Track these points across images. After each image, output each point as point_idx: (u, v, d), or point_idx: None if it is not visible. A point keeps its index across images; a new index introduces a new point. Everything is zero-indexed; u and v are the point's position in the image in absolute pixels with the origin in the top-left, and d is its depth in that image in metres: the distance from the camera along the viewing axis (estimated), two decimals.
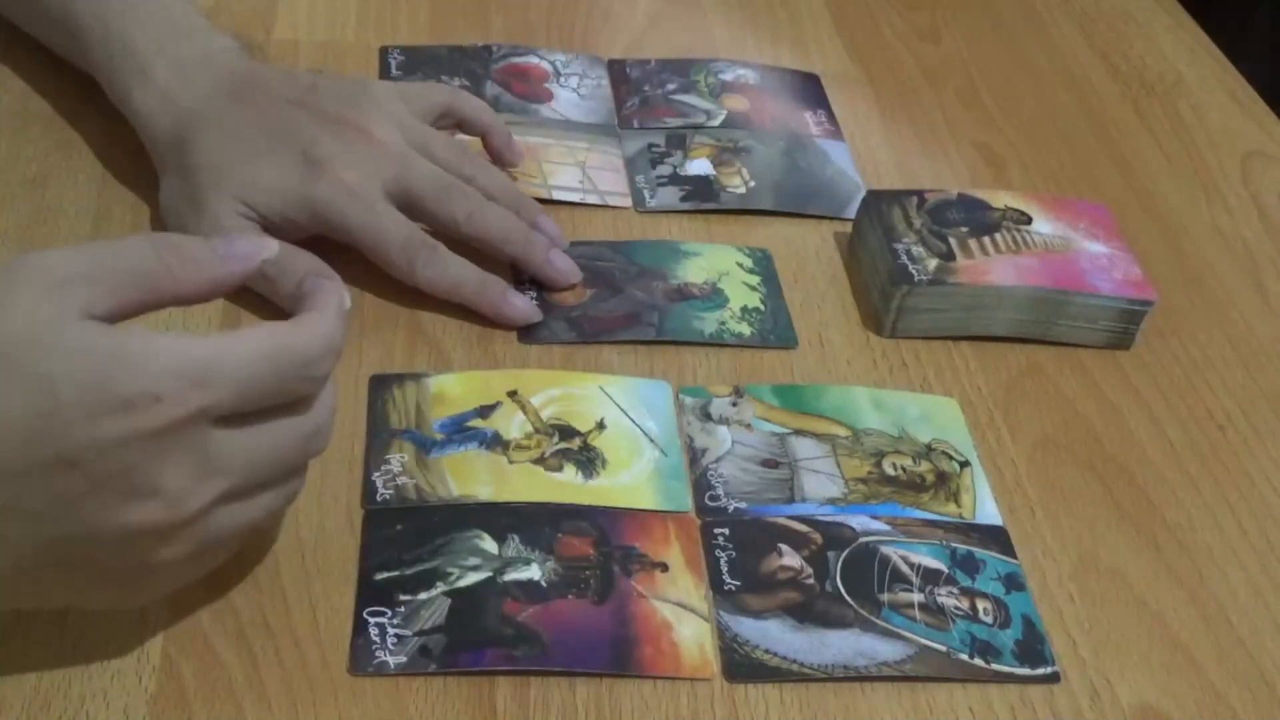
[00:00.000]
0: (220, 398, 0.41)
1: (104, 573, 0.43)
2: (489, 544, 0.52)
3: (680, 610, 0.51)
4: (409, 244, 0.61)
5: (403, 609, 0.49)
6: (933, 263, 0.65)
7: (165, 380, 0.40)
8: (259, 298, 0.60)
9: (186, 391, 0.40)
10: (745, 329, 0.64)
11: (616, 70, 0.81)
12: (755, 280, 0.67)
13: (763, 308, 0.65)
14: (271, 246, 0.46)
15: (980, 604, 0.53)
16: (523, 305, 0.62)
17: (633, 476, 0.56)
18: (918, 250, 0.65)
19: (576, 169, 0.72)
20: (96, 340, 0.40)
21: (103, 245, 0.43)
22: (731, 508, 0.55)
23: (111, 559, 0.42)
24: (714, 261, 0.67)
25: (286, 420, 0.44)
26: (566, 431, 0.57)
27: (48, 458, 0.39)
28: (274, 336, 0.43)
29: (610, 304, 0.64)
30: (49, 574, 0.42)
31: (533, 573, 0.51)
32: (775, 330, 0.64)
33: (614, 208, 0.70)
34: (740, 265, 0.68)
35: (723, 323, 0.64)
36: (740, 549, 0.54)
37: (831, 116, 0.79)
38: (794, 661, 0.50)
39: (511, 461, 0.56)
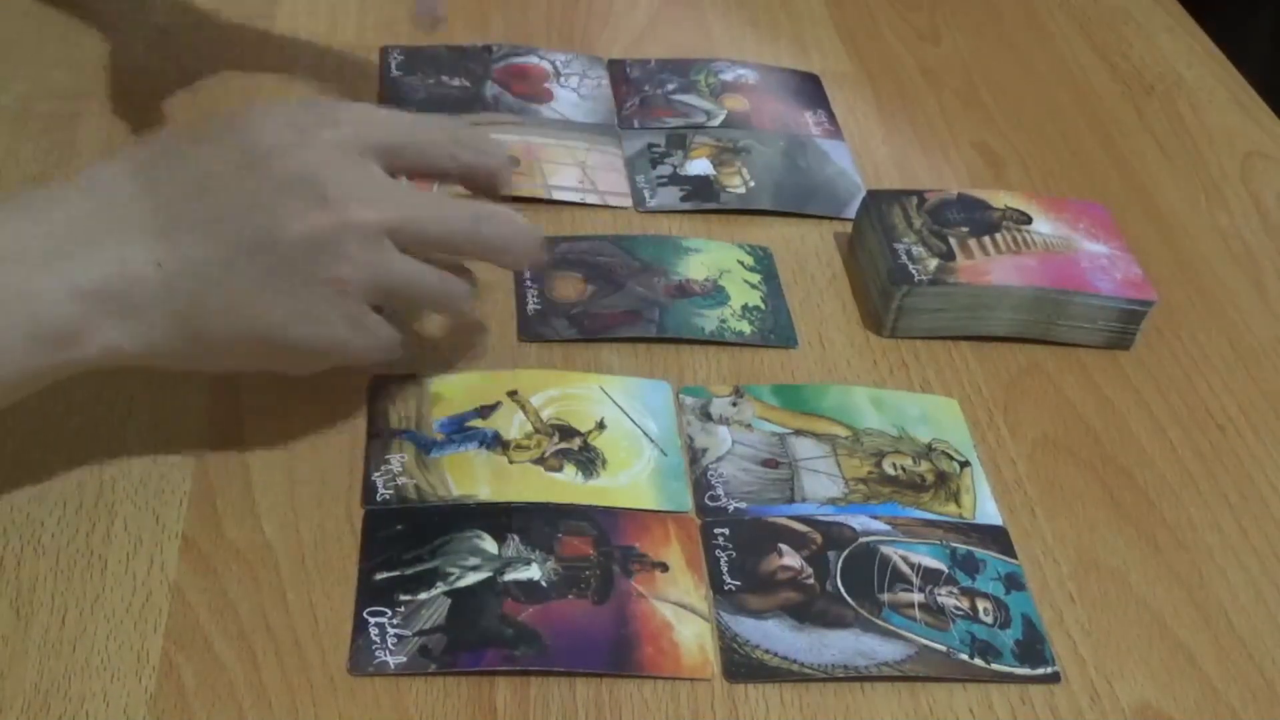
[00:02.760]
0: (386, 140, 0.52)
1: (286, 289, 0.49)
2: (489, 544, 0.52)
3: (680, 610, 0.51)
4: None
5: (403, 609, 0.49)
6: (933, 263, 0.65)
7: (328, 108, 0.53)
8: None
9: (361, 122, 0.52)
10: (746, 327, 0.64)
11: (616, 70, 0.81)
12: (756, 278, 0.67)
13: (763, 306, 0.65)
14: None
15: (980, 604, 0.53)
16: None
17: (633, 476, 0.56)
18: (918, 250, 0.65)
19: (576, 169, 0.72)
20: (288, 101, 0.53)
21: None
22: (731, 508, 0.55)
23: (300, 277, 0.49)
24: (715, 258, 0.67)
25: (453, 200, 0.56)
26: (566, 431, 0.57)
27: (244, 162, 0.49)
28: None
29: (611, 300, 0.64)
30: (249, 284, 0.49)
31: (533, 573, 0.51)
32: (776, 329, 0.64)
33: (614, 208, 0.71)
34: (741, 263, 0.68)
35: (723, 320, 0.64)
36: (740, 549, 0.54)
37: (831, 116, 0.79)
38: (794, 661, 0.50)
39: (511, 461, 0.56)
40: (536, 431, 0.57)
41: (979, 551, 0.55)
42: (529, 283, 0.64)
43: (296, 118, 0.51)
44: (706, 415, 0.59)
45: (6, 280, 0.46)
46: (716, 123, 0.77)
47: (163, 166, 0.50)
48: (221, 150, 0.50)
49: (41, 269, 0.46)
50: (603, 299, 0.64)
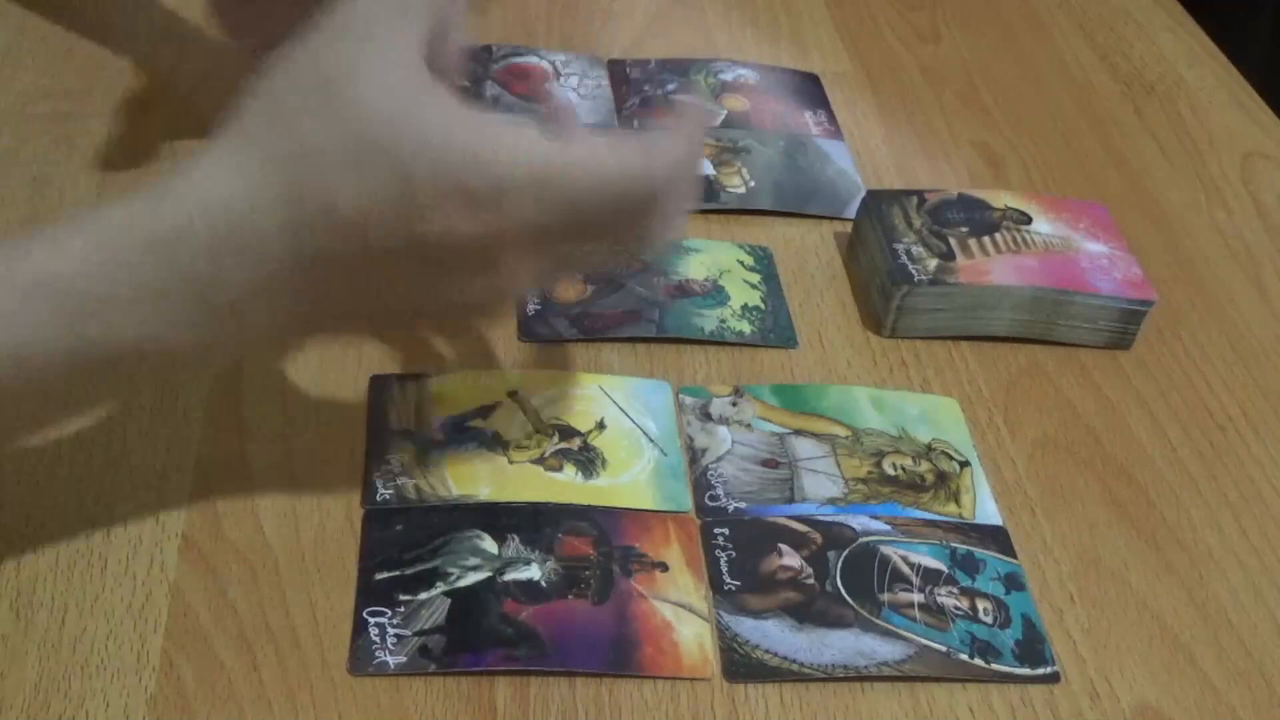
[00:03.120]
0: (553, 215, 0.44)
1: (429, 314, 0.49)
2: (489, 544, 0.52)
3: (680, 610, 0.51)
4: None
5: (402, 609, 0.49)
6: (932, 262, 0.65)
7: (509, 184, 0.42)
8: None
9: (525, 204, 0.43)
10: (746, 327, 0.64)
11: (616, 70, 0.81)
12: (756, 278, 0.67)
13: (763, 306, 0.65)
14: None
15: (980, 604, 0.53)
16: None
17: (633, 476, 0.56)
18: (917, 250, 0.65)
19: None
20: (454, 132, 0.42)
21: None
22: (731, 508, 0.55)
23: (441, 309, 0.47)
24: (715, 258, 0.67)
25: (617, 235, 0.47)
26: (566, 431, 0.57)
27: (403, 241, 0.42)
28: (625, 160, 0.44)
29: (611, 301, 0.64)
30: (381, 321, 0.49)
31: (532, 573, 0.51)
32: (775, 329, 0.64)
33: None
34: (741, 263, 0.68)
35: (723, 320, 0.64)
36: (740, 549, 0.54)
37: (831, 116, 0.79)
38: (794, 661, 0.50)
39: (511, 461, 0.56)
40: (536, 431, 0.57)
41: (979, 551, 0.55)
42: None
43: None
44: (706, 415, 0.59)
45: None
46: (716, 123, 0.77)
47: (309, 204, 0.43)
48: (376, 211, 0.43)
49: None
50: (603, 299, 0.64)
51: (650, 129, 0.46)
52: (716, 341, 0.63)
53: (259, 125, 0.43)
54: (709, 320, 0.64)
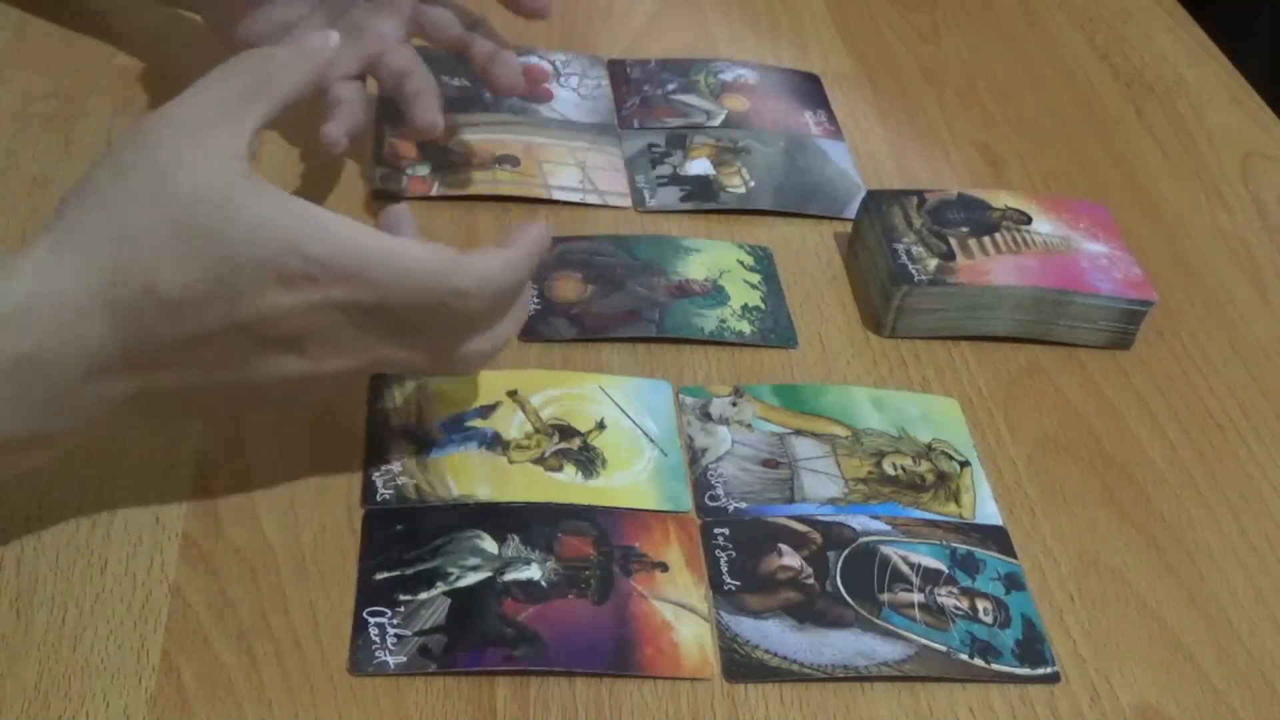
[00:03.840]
0: (362, 298, 0.45)
1: (255, 399, 0.48)
2: (489, 544, 0.52)
3: (680, 610, 0.51)
4: None
5: (402, 609, 0.49)
6: (932, 263, 0.65)
7: (322, 266, 0.44)
8: None
9: (336, 286, 0.45)
10: (746, 327, 0.64)
11: (616, 70, 0.81)
12: (756, 278, 0.67)
13: (763, 306, 0.65)
14: (333, 35, 0.51)
15: (980, 604, 0.53)
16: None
17: (633, 476, 0.56)
18: (917, 250, 0.65)
19: (576, 169, 0.72)
20: (272, 216, 0.44)
21: (213, 81, 0.47)
22: (731, 508, 0.55)
23: (264, 391, 0.47)
24: (715, 258, 0.67)
25: (425, 340, 0.48)
26: (566, 431, 0.57)
27: (223, 321, 0.44)
28: (438, 259, 0.47)
29: (611, 300, 0.64)
30: (208, 403, 0.48)
31: (532, 573, 0.51)
32: (775, 329, 0.64)
33: (614, 208, 0.71)
34: (741, 263, 0.68)
35: (723, 320, 0.64)
36: (740, 549, 0.54)
37: (831, 116, 0.79)
38: (794, 661, 0.50)
39: (511, 461, 0.56)
40: (536, 431, 0.57)
41: (979, 551, 0.55)
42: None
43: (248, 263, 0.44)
44: (706, 415, 0.59)
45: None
46: (716, 123, 0.77)
47: (131, 303, 0.44)
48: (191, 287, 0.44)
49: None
50: (602, 299, 0.64)
51: (486, 249, 0.48)
52: (716, 341, 0.63)
53: (88, 212, 0.44)
54: (709, 320, 0.64)
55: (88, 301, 0.43)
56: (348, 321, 0.46)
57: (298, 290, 0.44)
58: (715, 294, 0.65)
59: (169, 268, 0.43)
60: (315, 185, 0.68)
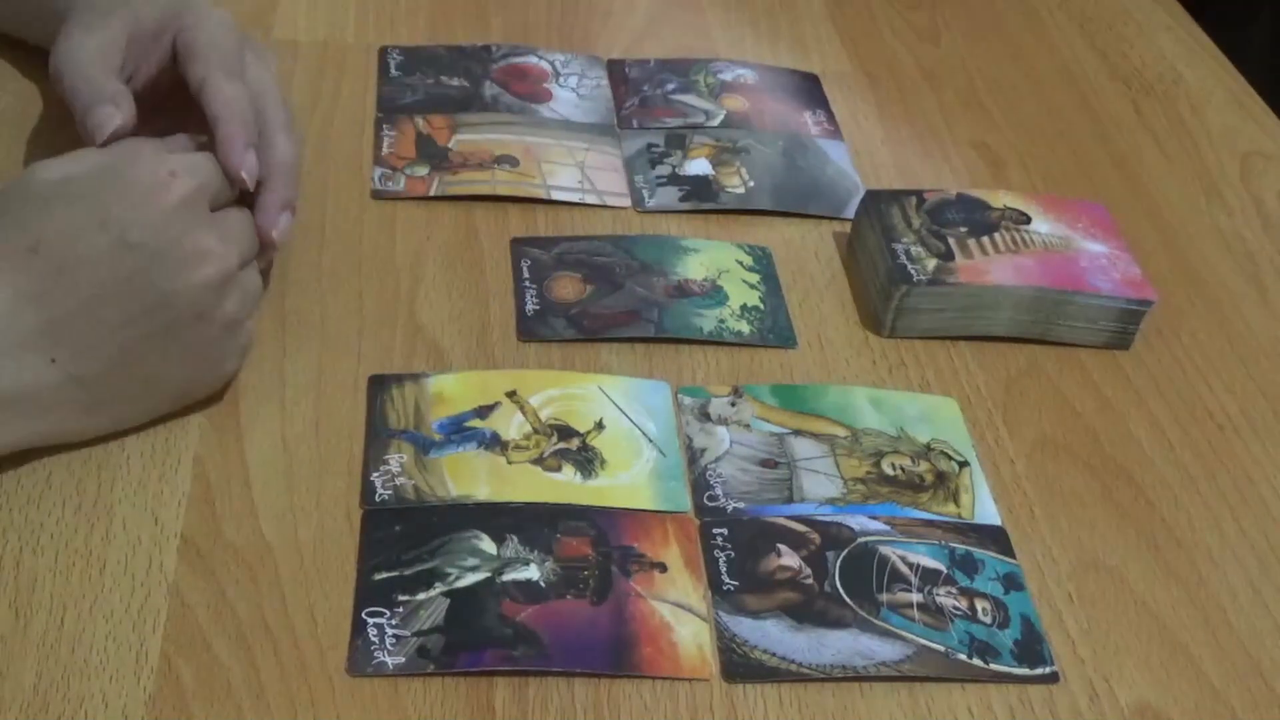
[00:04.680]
0: (210, 181, 0.54)
1: (186, 341, 0.53)
2: (488, 544, 0.52)
3: (679, 610, 0.51)
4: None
5: (401, 609, 0.49)
6: (931, 263, 0.65)
7: (173, 162, 0.53)
8: None
9: (189, 173, 0.53)
10: (744, 327, 0.64)
11: (616, 70, 0.81)
12: (755, 278, 0.67)
13: (762, 306, 0.65)
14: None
15: (979, 604, 0.53)
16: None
17: (631, 477, 0.56)
18: (917, 250, 0.65)
19: (576, 169, 0.72)
20: (122, 149, 0.54)
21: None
22: (730, 508, 0.55)
23: (188, 324, 0.52)
24: (714, 258, 0.67)
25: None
26: (565, 432, 0.57)
27: (111, 244, 0.50)
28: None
29: (610, 300, 0.64)
30: (146, 351, 0.52)
31: (531, 573, 0.51)
32: (774, 329, 0.64)
33: (613, 208, 0.70)
34: (740, 263, 0.67)
35: (722, 320, 0.64)
36: (739, 549, 0.54)
37: (831, 116, 0.79)
38: (792, 661, 0.50)
39: (510, 462, 0.56)
40: (535, 432, 0.57)
41: (978, 551, 0.55)
42: (528, 283, 0.64)
43: (137, 179, 0.52)
44: (705, 415, 0.59)
45: None
46: (716, 123, 0.77)
47: (30, 269, 0.50)
48: (77, 231, 0.51)
49: None
50: (602, 299, 0.64)
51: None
52: (715, 341, 0.63)
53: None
54: (708, 320, 0.64)
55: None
56: (214, 212, 0.54)
57: (163, 190, 0.52)
58: (714, 294, 0.65)
59: (44, 232, 0.51)
60: (314, 186, 0.68)
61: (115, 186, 0.52)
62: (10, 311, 0.50)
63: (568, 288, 0.64)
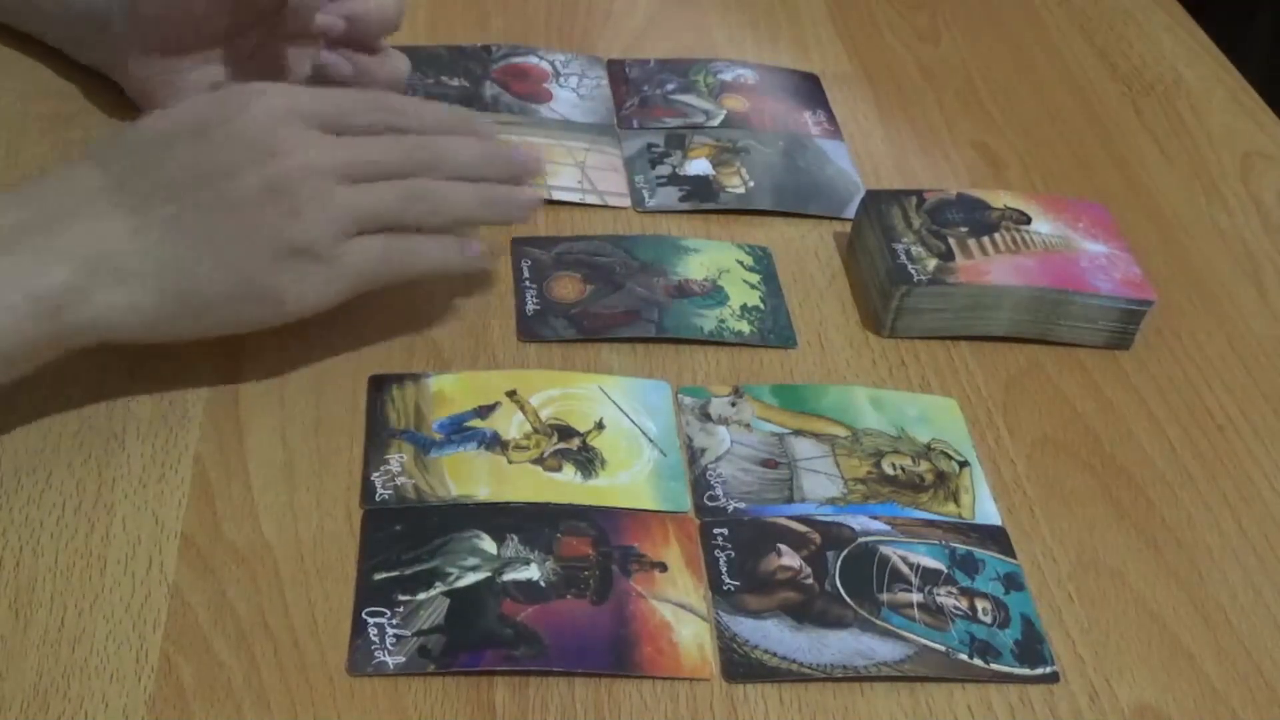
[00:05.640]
0: (315, 105, 0.55)
1: (269, 244, 0.52)
2: (488, 544, 0.52)
3: (679, 610, 0.51)
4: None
5: (401, 609, 0.49)
6: (932, 263, 0.65)
7: (279, 98, 0.54)
8: None
9: (290, 93, 0.55)
10: (745, 327, 0.64)
11: (616, 70, 0.81)
12: (755, 278, 0.67)
13: (762, 306, 0.65)
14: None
15: (979, 604, 0.53)
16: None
17: (632, 476, 0.56)
18: (917, 250, 0.65)
19: (576, 169, 0.72)
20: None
21: None
22: (730, 508, 0.55)
23: (268, 225, 0.52)
24: (715, 258, 0.67)
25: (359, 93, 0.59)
26: (565, 431, 0.57)
27: (190, 131, 0.53)
28: None
29: (610, 300, 0.64)
30: (230, 245, 0.52)
31: (532, 573, 0.51)
32: (775, 329, 0.64)
33: (613, 208, 0.70)
34: (740, 263, 0.68)
35: (722, 320, 0.64)
36: (739, 549, 0.54)
37: (831, 116, 0.79)
38: (793, 661, 0.50)
39: (510, 462, 0.56)
40: (536, 431, 0.57)
41: (978, 551, 0.55)
42: (528, 283, 0.64)
43: (232, 92, 0.55)
44: (706, 415, 0.59)
45: (2, 253, 0.49)
46: (716, 123, 0.77)
47: (122, 151, 0.53)
48: (171, 126, 0.54)
49: (29, 240, 0.50)
50: (602, 299, 0.64)
51: None
52: (716, 341, 0.63)
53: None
54: (708, 320, 0.64)
55: (92, 169, 0.53)
56: (297, 120, 0.54)
57: (250, 99, 0.54)
58: (714, 294, 0.65)
59: (140, 128, 0.54)
60: None
61: (226, 93, 0.55)
62: (97, 177, 0.52)
63: (568, 288, 0.64)
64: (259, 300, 0.54)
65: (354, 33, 0.63)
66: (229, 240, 0.52)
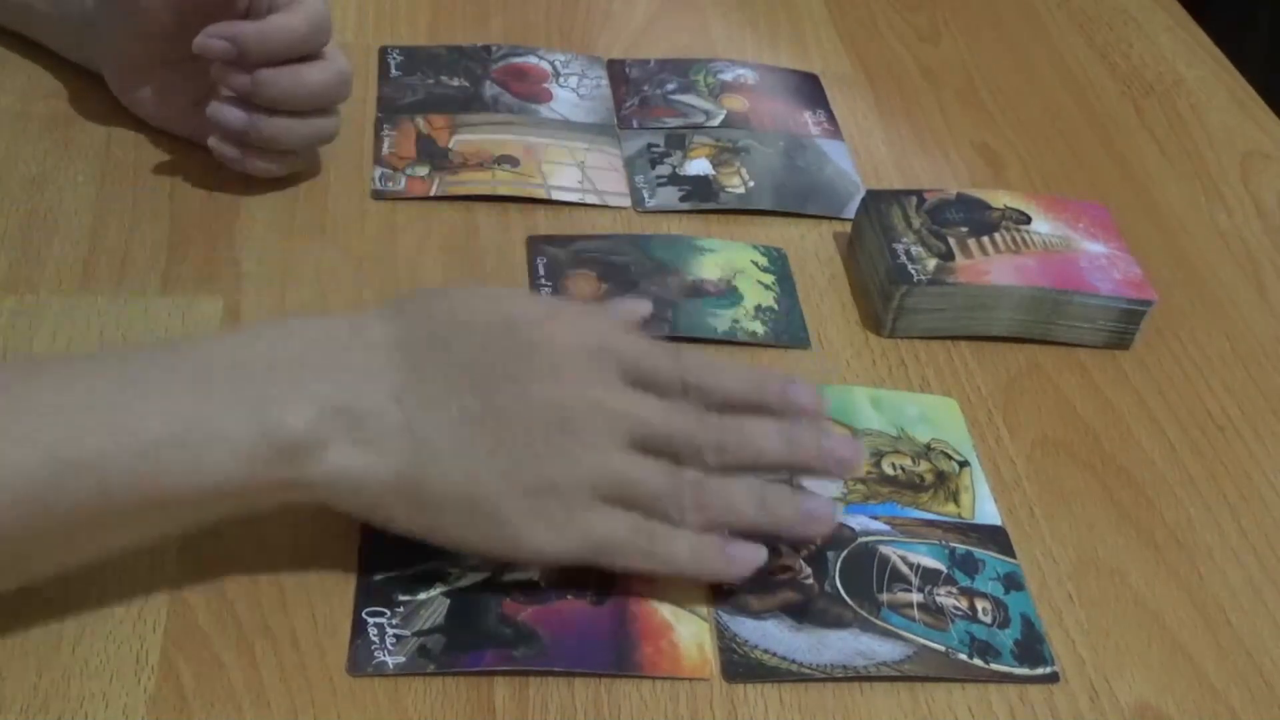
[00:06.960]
0: (626, 350, 0.51)
1: (523, 472, 0.48)
2: None
3: (679, 610, 0.51)
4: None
5: (402, 609, 0.49)
6: (932, 263, 0.65)
7: (595, 321, 0.53)
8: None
9: (607, 326, 0.52)
10: (759, 328, 0.64)
11: (616, 70, 0.81)
12: (770, 279, 0.67)
13: (776, 307, 0.65)
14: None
15: (979, 604, 0.53)
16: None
17: None
18: (917, 250, 0.65)
19: (576, 169, 0.72)
20: None
21: None
22: None
23: (532, 450, 0.48)
24: (729, 259, 0.67)
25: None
26: None
27: (489, 320, 0.50)
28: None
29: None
30: (484, 455, 0.47)
31: (532, 573, 0.51)
32: (788, 330, 0.64)
33: (613, 208, 0.70)
34: (755, 264, 0.68)
35: (736, 320, 0.64)
36: None
37: (831, 116, 0.79)
38: (793, 661, 0.50)
39: None
40: None
41: (978, 551, 0.55)
42: (543, 280, 0.64)
43: (551, 301, 0.56)
44: None
45: (255, 383, 0.46)
46: (716, 123, 0.77)
47: (417, 315, 0.50)
48: (473, 307, 0.50)
49: (289, 378, 0.47)
50: (617, 298, 0.64)
51: None
52: (729, 341, 0.63)
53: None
54: (722, 321, 0.64)
55: (382, 323, 0.50)
56: (604, 356, 0.50)
57: (563, 313, 0.52)
58: (729, 294, 0.65)
59: (444, 297, 0.52)
60: (314, 186, 0.68)
61: (546, 299, 0.57)
62: (382, 332, 0.49)
63: (583, 286, 0.64)
64: (488, 518, 0.48)
65: (253, 55, 0.61)
66: (487, 449, 0.47)
